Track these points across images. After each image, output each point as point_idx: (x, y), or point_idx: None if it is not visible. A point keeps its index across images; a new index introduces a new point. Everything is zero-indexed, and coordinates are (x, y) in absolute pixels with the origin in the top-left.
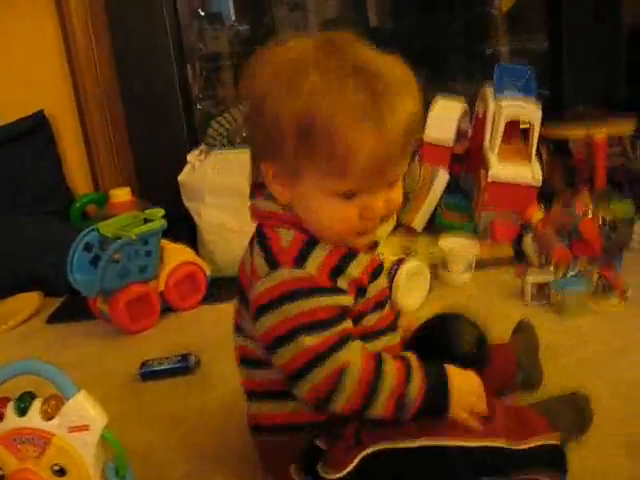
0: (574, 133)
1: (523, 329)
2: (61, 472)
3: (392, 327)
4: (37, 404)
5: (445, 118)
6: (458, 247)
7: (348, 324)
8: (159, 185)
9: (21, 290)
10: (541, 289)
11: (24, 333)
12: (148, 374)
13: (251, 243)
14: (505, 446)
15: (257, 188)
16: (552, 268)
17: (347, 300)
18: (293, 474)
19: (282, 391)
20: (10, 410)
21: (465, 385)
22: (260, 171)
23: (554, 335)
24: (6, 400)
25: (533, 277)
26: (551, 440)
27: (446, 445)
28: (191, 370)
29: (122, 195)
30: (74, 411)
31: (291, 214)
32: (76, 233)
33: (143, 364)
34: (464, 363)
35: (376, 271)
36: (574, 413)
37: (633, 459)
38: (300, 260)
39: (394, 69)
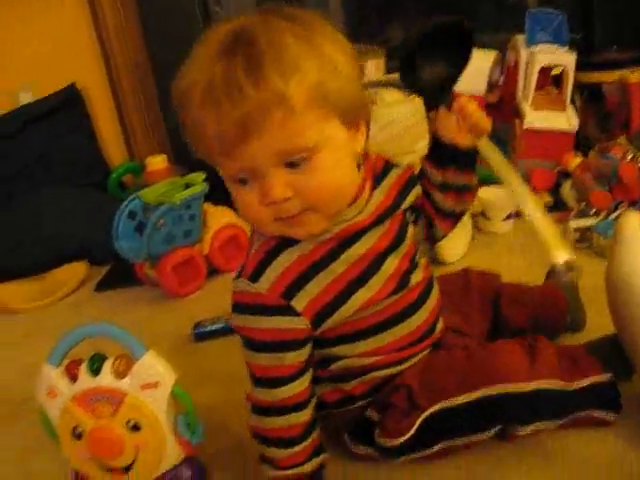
0: (607, 77)
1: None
2: (135, 427)
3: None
4: (108, 364)
5: (476, 69)
6: (498, 197)
7: (289, 356)
8: (193, 151)
9: (66, 261)
10: (583, 234)
11: (74, 302)
12: (202, 334)
13: None
14: (559, 388)
15: None
16: (593, 212)
17: (297, 323)
18: (349, 444)
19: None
20: (84, 371)
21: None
22: None
23: (599, 277)
24: (79, 362)
25: (575, 222)
26: (604, 378)
27: (504, 392)
28: None
29: (158, 163)
30: (144, 369)
31: None
32: (115, 203)
33: (196, 325)
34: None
35: (381, 257)
36: (621, 354)
37: None
38: (256, 273)
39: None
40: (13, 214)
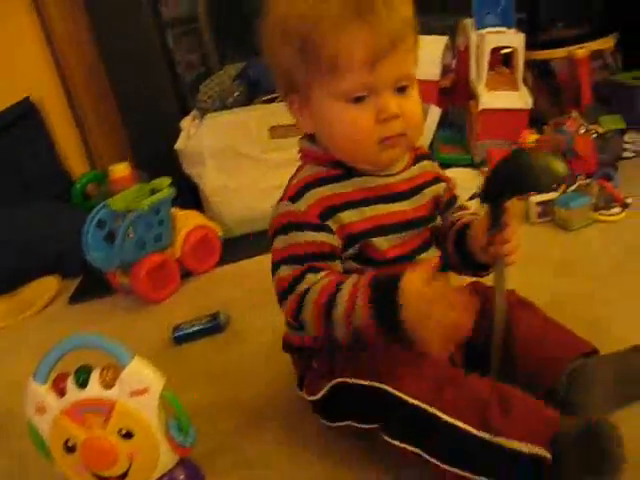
0: (556, 54)
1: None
2: (128, 435)
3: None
4: (95, 375)
5: (429, 54)
6: (460, 179)
7: (323, 261)
8: (155, 156)
9: (37, 276)
10: (545, 208)
11: (49, 317)
12: (182, 337)
13: None
14: (464, 428)
15: (306, 134)
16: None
17: (330, 239)
18: (296, 389)
19: None
20: (71, 384)
21: (430, 295)
22: (290, 110)
23: (564, 249)
24: (65, 375)
25: (536, 197)
26: (538, 453)
27: (397, 396)
28: (222, 328)
29: (121, 170)
30: (132, 376)
31: (317, 148)
32: (81, 213)
33: (175, 328)
34: None
35: (397, 225)
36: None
37: None
38: (297, 194)
39: None
40: None
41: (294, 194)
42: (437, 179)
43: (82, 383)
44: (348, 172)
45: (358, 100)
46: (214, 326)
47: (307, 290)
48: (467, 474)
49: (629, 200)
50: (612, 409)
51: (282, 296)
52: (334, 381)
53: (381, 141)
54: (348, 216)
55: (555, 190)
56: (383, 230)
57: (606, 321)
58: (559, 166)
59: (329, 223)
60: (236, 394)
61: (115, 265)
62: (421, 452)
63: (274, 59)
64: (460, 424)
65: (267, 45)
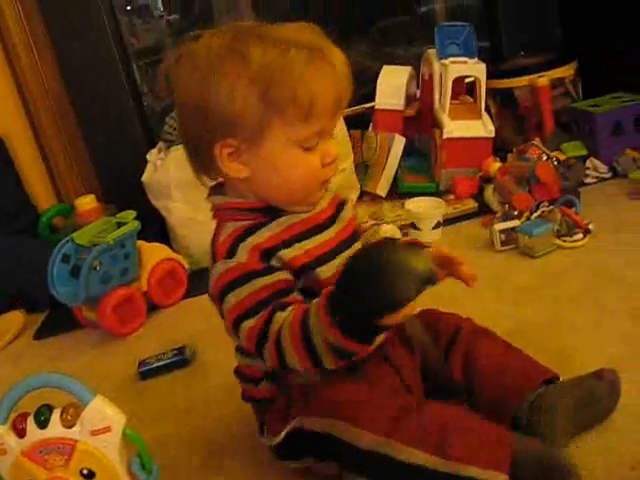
0: (518, 83)
1: (601, 383)
2: (90, 475)
3: None
4: (56, 414)
5: (393, 84)
6: (425, 207)
7: (285, 297)
8: (122, 188)
9: (2, 311)
10: (509, 235)
11: (13, 353)
12: (147, 372)
13: None
14: (421, 463)
15: (212, 188)
16: (516, 214)
17: (281, 275)
18: (257, 433)
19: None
20: (31, 424)
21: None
22: (209, 158)
23: (527, 276)
24: (25, 415)
25: (499, 225)
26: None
27: (346, 436)
28: (188, 362)
29: (88, 203)
30: (94, 415)
31: (236, 199)
32: (47, 247)
33: (140, 363)
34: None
35: (329, 253)
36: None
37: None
38: (231, 251)
39: (312, 34)
40: None
41: (227, 252)
42: (341, 202)
43: (43, 423)
44: (271, 216)
45: (308, 149)
46: (180, 360)
47: (280, 330)
48: None
49: (591, 226)
50: (573, 435)
51: (257, 348)
52: (290, 426)
53: (323, 183)
54: (288, 253)
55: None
56: (320, 260)
57: (570, 348)
58: (420, 263)
59: (273, 263)
60: (201, 429)
61: (81, 300)
62: None
63: (211, 97)
64: (415, 460)
65: (199, 81)
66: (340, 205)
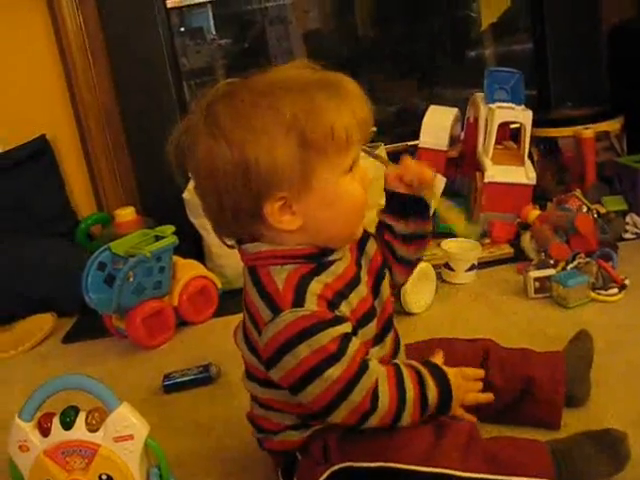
0: (563, 133)
1: (580, 339)
2: None
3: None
4: (81, 417)
5: (438, 124)
6: (461, 249)
7: (357, 347)
8: (161, 203)
9: (33, 312)
10: (543, 283)
11: (42, 354)
12: (172, 386)
13: (246, 280)
14: (463, 475)
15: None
16: (552, 263)
17: (348, 327)
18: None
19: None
20: (56, 424)
21: (459, 381)
22: (253, 220)
23: (559, 327)
24: (51, 415)
25: (535, 272)
26: None
27: (401, 468)
28: (213, 380)
29: (127, 214)
30: (118, 422)
31: (281, 247)
32: (82, 253)
33: (166, 377)
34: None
35: (367, 314)
36: (606, 454)
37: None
38: (298, 299)
39: (312, 69)
40: None
41: (293, 300)
42: (363, 236)
43: (68, 424)
44: (315, 262)
45: (350, 169)
46: (205, 377)
47: (376, 381)
48: None
49: (627, 282)
50: None
51: (338, 399)
52: (334, 468)
53: (365, 209)
54: (344, 307)
55: None
56: (361, 322)
57: (598, 404)
58: None
59: (342, 309)
60: (220, 447)
61: (112, 309)
62: None
63: (250, 157)
64: (475, 475)
65: (231, 146)
66: (363, 239)
